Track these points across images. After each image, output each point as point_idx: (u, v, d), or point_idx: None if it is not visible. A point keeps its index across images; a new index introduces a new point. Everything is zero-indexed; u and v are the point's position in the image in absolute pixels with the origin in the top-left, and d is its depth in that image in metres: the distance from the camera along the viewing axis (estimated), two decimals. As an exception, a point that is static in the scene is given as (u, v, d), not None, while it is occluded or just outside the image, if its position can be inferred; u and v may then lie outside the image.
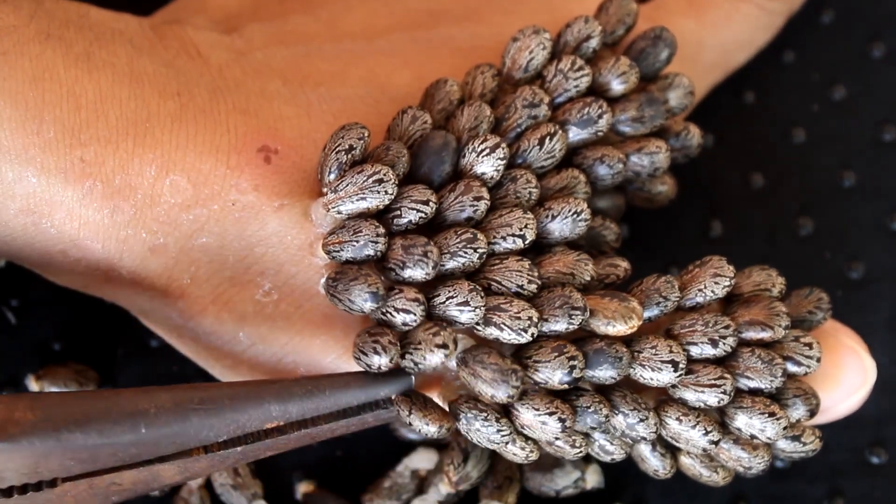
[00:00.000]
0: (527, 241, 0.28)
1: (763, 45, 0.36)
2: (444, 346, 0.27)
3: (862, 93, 0.37)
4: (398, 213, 0.28)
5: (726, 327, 0.28)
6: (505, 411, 0.28)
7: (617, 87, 0.30)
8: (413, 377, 0.28)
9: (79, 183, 0.27)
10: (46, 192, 0.27)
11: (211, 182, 0.28)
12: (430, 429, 0.27)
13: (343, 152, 0.28)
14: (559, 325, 0.27)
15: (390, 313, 0.27)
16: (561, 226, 0.29)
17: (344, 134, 0.28)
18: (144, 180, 0.27)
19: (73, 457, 0.25)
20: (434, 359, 0.27)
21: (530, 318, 0.27)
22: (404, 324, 0.27)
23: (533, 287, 0.28)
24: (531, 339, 0.27)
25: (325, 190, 0.28)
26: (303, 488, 0.33)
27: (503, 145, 0.28)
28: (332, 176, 0.28)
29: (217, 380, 0.31)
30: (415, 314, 0.27)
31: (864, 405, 0.32)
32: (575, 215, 0.28)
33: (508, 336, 0.27)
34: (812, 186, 0.36)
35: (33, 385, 0.33)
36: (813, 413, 0.29)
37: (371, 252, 0.27)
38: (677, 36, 0.31)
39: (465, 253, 0.27)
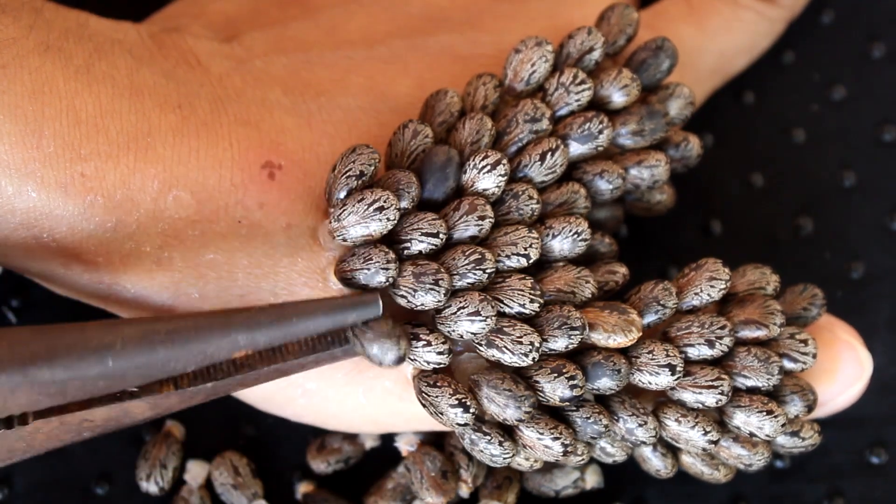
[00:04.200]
0: (531, 261, 0.28)
1: (763, 51, 0.36)
2: (463, 406, 0.27)
3: (862, 93, 0.37)
4: (408, 244, 0.28)
5: (722, 328, 0.29)
6: (508, 431, 0.28)
7: (618, 99, 0.30)
8: (380, 303, 0.27)
9: (80, 197, 0.27)
10: (47, 206, 0.27)
11: (215, 198, 0.28)
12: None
13: (353, 177, 0.27)
14: (558, 345, 0.28)
15: (418, 362, 0.28)
16: (561, 245, 0.29)
17: (355, 158, 0.28)
18: (147, 195, 0.27)
19: (42, 391, 0.25)
20: (455, 418, 0.28)
21: (532, 343, 0.27)
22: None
23: (535, 306, 0.28)
24: (532, 362, 0.27)
25: (331, 211, 0.28)
26: (303, 488, 0.33)
27: (504, 161, 0.28)
28: (339, 199, 0.28)
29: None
30: (443, 363, 0.28)
31: (864, 406, 0.32)
32: (576, 235, 0.29)
33: (510, 359, 0.27)
34: (812, 186, 0.36)
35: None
36: (810, 408, 0.29)
37: (383, 279, 0.27)
38: (678, 43, 0.31)
39: (475, 273, 0.27)
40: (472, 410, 0.27)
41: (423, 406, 0.28)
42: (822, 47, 0.37)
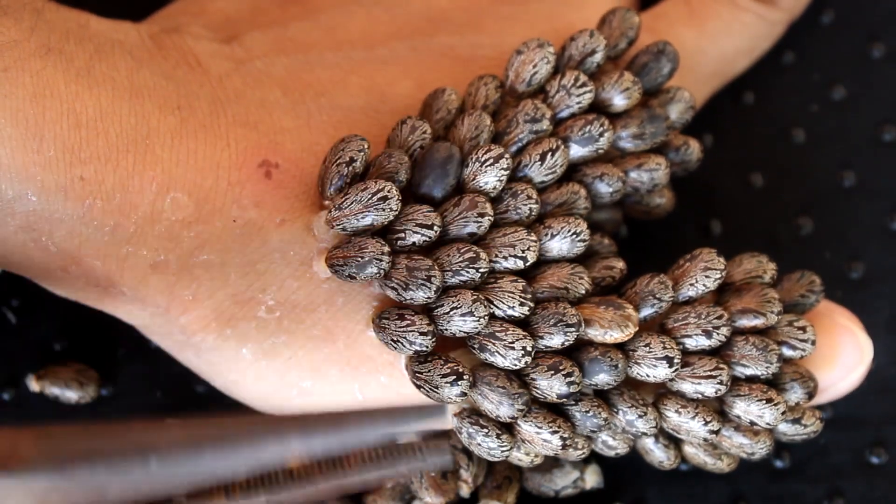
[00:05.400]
0: (528, 263, 0.28)
1: (763, 53, 0.36)
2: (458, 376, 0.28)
3: (862, 93, 0.37)
4: (402, 235, 0.28)
5: (719, 317, 0.29)
6: (507, 426, 0.28)
7: (619, 102, 0.30)
8: (449, 413, 0.28)
9: (79, 201, 0.27)
10: (46, 210, 0.27)
11: (212, 199, 0.28)
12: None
13: (344, 165, 0.28)
14: (554, 342, 0.28)
15: (402, 343, 0.28)
16: (560, 245, 0.29)
17: (344, 146, 0.28)
18: (145, 198, 0.27)
19: (81, 492, 0.24)
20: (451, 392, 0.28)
21: (524, 348, 0.27)
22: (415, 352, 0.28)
23: (525, 310, 0.28)
24: (525, 366, 0.28)
25: (326, 203, 0.28)
26: (303, 488, 0.33)
27: (507, 155, 0.28)
28: (333, 189, 0.28)
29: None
30: (426, 346, 0.28)
31: (864, 406, 0.32)
32: (574, 236, 0.29)
33: (502, 363, 0.28)
34: (812, 186, 0.36)
35: (34, 385, 0.33)
36: (811, 395, 0.30)
37: (375, 270, 0.27)
38: (678, 46, 0.31)
39: (468, 272, 0.28)
40: (465, 377, 0.27)
41: (418, 387, 0.28)
42: (822, 47, 0.37)
